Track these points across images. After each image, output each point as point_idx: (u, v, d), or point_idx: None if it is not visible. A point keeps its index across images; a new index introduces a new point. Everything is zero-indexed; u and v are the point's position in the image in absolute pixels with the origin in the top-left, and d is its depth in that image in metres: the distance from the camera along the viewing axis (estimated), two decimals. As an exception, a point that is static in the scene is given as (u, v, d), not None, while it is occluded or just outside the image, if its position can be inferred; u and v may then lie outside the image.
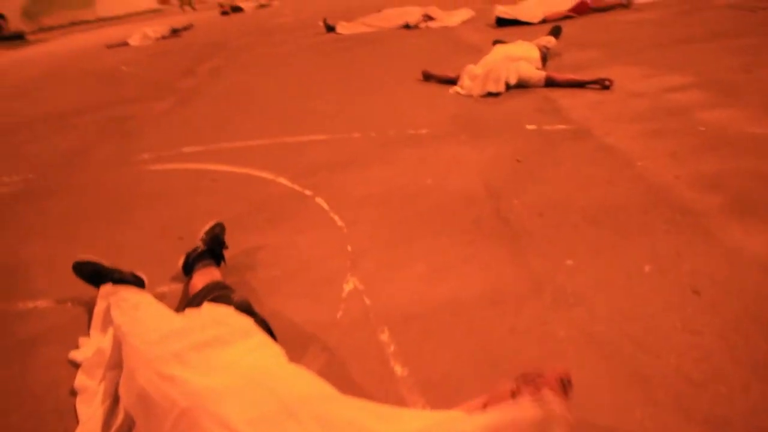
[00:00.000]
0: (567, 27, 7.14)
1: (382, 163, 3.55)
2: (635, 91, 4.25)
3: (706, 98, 3.93)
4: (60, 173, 4.24)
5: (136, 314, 1.85)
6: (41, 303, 2.52)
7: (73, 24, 28.71)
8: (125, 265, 2.34)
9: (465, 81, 4.81)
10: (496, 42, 6.01)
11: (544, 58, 5.25)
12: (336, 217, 2.93)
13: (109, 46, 13.26)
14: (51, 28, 28.59)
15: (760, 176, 2.71)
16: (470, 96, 4.68)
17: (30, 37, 21.96)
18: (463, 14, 9.20)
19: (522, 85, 4.69)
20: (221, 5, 18.46)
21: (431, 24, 8.87)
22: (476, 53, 5.54)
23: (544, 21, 7.72)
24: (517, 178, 3.05)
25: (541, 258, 2.30)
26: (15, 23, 28.92)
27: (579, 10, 7.93)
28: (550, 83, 4.62)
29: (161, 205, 3.49)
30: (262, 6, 18.05)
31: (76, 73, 9.72)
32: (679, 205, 2.56)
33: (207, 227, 2.54)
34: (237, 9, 17.61)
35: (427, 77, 5.35)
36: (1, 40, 20.25)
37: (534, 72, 4.69)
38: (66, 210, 3.54)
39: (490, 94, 4.60)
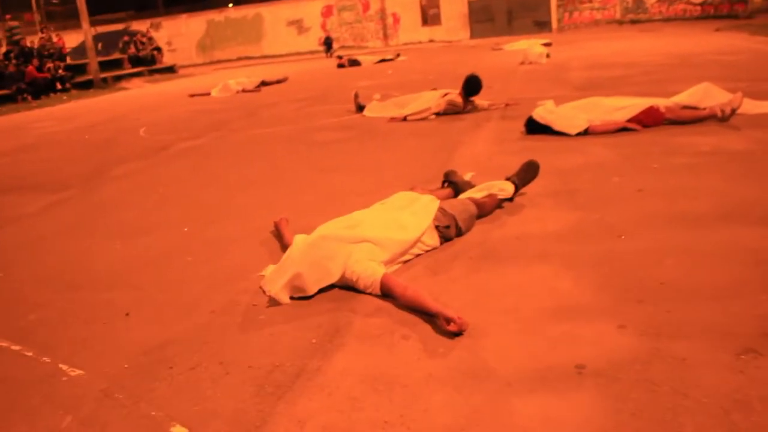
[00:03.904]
0: (599, 148, 5.01)
1: None
2: (483, 364, 2.22)
3: (580, 399, 1.83)
4: None
5: None
6: None
7: (240, 59, 30.50)
8: None
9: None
10: (445, 179, 4.12)
11: (455, 228, 3.31)
12: None
13: (192, 95, 13.13)
14: (220, 62, 30.66)
15: None
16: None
17: (181, 71, 23.34)
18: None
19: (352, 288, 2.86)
20: (339, 57, 17.88)
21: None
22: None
23: (586, 132, 5.55)
24: None
25: None
26: (190, 55, 31.54)
27: (647, 121, 5.57)
28: (388, 294, 2.74)
29: None
30: (383, 60, 17.11)
31: (102, 130, 9.42)
32: None
33: None
34: (355, 63, 16.86)
35: (278, 235, 3.65)
36: (153, 72, 21.65)
37: (365, 270, 2.80)
38: None
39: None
